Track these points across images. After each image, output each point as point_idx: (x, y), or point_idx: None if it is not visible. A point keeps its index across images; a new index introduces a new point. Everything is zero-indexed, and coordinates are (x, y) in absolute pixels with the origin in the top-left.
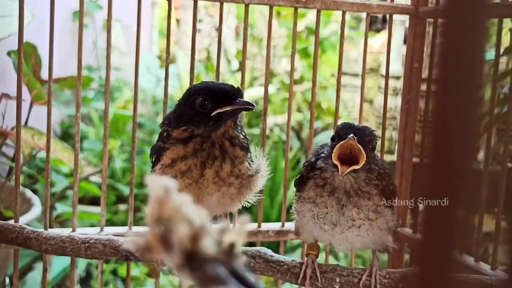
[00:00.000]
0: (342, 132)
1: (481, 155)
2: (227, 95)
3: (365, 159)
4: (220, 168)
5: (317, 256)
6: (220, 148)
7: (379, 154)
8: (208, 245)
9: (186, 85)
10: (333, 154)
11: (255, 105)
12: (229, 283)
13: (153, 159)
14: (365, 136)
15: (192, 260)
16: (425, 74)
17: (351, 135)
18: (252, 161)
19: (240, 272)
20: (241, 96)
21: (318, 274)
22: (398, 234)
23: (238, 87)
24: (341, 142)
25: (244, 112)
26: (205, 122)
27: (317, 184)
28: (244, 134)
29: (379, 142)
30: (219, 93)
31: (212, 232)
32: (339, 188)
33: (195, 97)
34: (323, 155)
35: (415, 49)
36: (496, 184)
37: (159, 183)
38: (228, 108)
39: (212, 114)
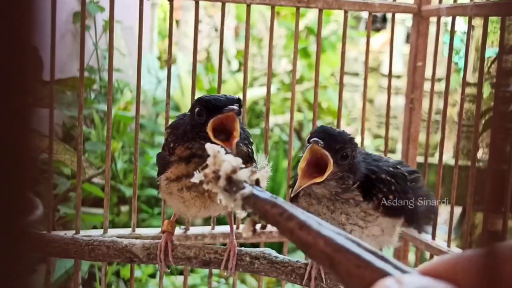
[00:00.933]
0: (315, 135)
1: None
2: (221, 106)
3: (331, 168)
4: None
5: None
6: None
7: (382, 154)
8: (241, 175)
9: (186, 85)
10: (300, 161)
11: (236, 108)
12: (253, 189)
13: (160, 167)
14: (335, 143)
15: (230, 184)
16: (428, 72)
17: (314, 139)
18: (257, 168)
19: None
20: (238, 106)
21: (322, 275)
22: (403, 234)
23: (238, 98)
24: (309, 146)
25: (245, 112)
26: (200, 135)
27: (306, 193)
28: (248, 141)
29: (380, 140)
30: (212, 103)
31: (244, 170)
32: (318, 195)
33: (195, 107)
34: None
35: (418, 48)
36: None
37: (213, 147)
38: (217, 142)
39: (205, 146)
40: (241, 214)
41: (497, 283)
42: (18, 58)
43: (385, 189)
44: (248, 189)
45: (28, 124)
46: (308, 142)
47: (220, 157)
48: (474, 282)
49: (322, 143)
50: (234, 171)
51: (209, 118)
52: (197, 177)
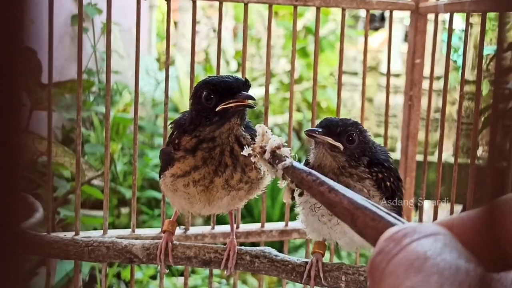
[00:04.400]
0: (318, 126)
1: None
2: (231, 88)
3: (325, 140)
4: (230, 177)
5: (323, 255)
6: (230, 154)
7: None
8: (283, 151)
9: (185, 87)
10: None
11: (256, 100)
12: (292, 162)
13: (163, 162)
14: (335, 127)
15: (274, 157)
16: (427, 70)
17: (306, 130)
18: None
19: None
20: (246, 88)
21: (321, 274)
22: None
23: (245, 79)
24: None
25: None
26: (210, 118)
27: (314, 165)
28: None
29: (380, 139)
30: (222, 86)
31: (285, 148)
32: (325, 167)
33: (201, 92)
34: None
35: (416, 45)
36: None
37: (263, 127)
38: (231, 104)
39: (216, 109)
40: (281, 184)
41: (496, 236)
42: (9, 59)
43: (386, 174)
44: (288, 161)
45: (21, 126)
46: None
47: (268, 135)
48: (476, 239)
49: (319, 130)
50: (278, 147)
51: (219, 102)
52: (246, 151)
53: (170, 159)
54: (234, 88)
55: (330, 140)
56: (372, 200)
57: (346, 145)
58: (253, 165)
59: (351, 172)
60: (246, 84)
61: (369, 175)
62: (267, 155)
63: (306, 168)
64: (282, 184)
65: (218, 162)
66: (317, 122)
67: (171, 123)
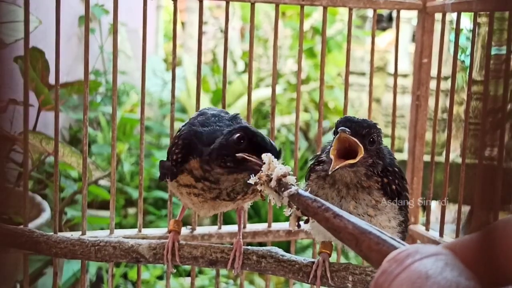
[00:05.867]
0: (340, 125)
1: (494, 152)
2: (262, 148)
3: (362, 152)
4: (234, 198)
5: (329, 255)
6: (228, 194)
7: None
8: (289, 179)
9: (192, 87)
10: (331, 149)
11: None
12: (298, 189)
13: (161, 175)
14: (361, 128)
15: (280, 185)
16: (434, 70)
17: (341, 128)
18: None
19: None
20: (274, 154)
21: (328, 274)
22: (410, 232)
23: (280, 149)
24: (336, 136)
25: (251, 113)
26: (226, 161)
27: (319, 176)
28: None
29: (387, 139)
30: (258, 141)
31: (291, 176)
32: (339, 180)
33: (236, 131)
34: (327, 149)
35: (423, 45)
36: (510, 180)
37: (269, 155)
38: (253, 158)
39: (237, 155)
40: (287, 212)
41: (494, 258)
42: None
43: (391, 177)
44: (294, 189)
45: None
46: (335, 133)
47: (274, 164)
48: (476, 260)
49: (349, 131)
50: (284, 175)
51: (246, 149)
52: (252, 179)
53: (169, 174)
54: (266, 149)
55: (360, 152)
56: (378, 205)
57: (367, 147)
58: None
59: (364, 185)
60: (277, 154)
61: (377, 183)
62: (273, 183)
63: (311, 195)
64: (288, 212)
65: (216, 195)
66: (324, 122)
67: (174, 138)
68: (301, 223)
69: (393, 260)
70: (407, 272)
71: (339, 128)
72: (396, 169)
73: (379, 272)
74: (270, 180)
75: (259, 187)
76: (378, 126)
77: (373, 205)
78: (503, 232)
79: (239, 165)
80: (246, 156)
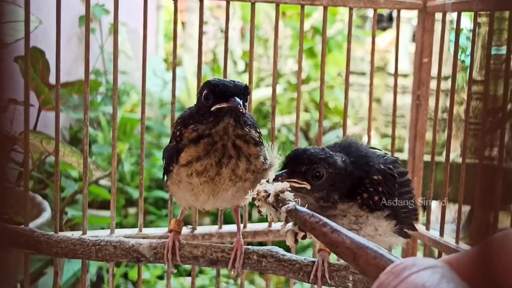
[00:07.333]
0: (284, 162)
1: (495, 152)
2: (229, 92)
3: (300, 184)
4: (236, 166)
5: (329, 253)
6: (233, 147)
7: (389, 153)
8: (286, 195)
9: (192, 87)
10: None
11: (242, 109)
12: (296, 205)
13: (167, 159)
14: (300, 166)
15: (277, 201)
16: (434, 70)
17: (277, 173)
18: (266, 157)
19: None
20: (245, 94)
21: (327, 275)
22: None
23: (245, 86)
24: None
25: (252, 112)
26: (206, 117)
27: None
28: (257, 130)
29: (387, 139)
30: (220, 88)
31: (288, 193)
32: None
33: (203, 90)
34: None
35: (424, 45)
36: (511, 180)
37: (263, 183)
38: (223, 105)
39: (211, 109)
40: (283, 229)
41: (492, 272)
42: None
43: (372, 189)
44: (291, 204)
45: None
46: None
47: (271, 180)
48: (473, 274)
49: (284, 175)
50: (282, 191)
51: (216, 103)
52: (250, 195)
53: (174, 153)
54: (231, 92)
55: (295, 183)
56: (359, 219)
57: (311, 182)
58: (257, 153)
59: (334, 214)
60: (244, 91)
61: (353, 201)
62: (271, 199)
63: (308, 211)
64: (285, 227)
65: (221, 154)
66: (324, 122)
67: (174, 123)
68: (298, 238)
69: (390, 273)
70: (404, 284)
71: (276, 174)
72: (379, 176)
73: (376, 285)
74: (268, 195)
75: (256, 203)
76: (330, 159)
77: (355, 221)
78: (500, 247)
79: (218, 115)
80: (217, 107)
